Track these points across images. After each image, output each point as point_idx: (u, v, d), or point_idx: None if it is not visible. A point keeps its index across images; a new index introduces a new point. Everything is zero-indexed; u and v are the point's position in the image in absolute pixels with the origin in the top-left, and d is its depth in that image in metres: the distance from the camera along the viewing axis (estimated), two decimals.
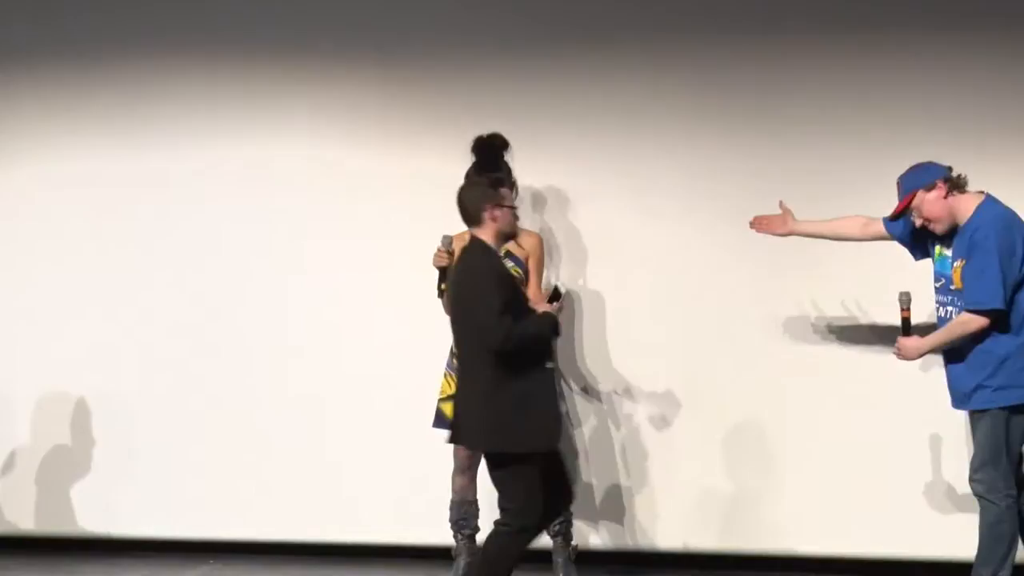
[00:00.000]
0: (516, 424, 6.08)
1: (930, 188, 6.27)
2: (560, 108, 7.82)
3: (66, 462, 8.40)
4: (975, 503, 6.34)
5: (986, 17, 7.37)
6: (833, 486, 7.49)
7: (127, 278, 8.33)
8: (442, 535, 7.40)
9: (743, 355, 7.59)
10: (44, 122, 8.44)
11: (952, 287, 6.28)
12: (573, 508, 7.11)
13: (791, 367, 7.53)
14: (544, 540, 7.07)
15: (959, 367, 6.28)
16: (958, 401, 6.35)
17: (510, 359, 6.05)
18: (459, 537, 7.29)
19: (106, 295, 8.35)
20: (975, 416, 6.27)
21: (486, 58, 7.93)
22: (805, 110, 7.57)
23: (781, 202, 6.88)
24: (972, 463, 6.29)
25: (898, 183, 6.37)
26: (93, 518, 8.41)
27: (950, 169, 6.31)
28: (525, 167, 7.31)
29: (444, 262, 6.99)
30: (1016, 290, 6.16)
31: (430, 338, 7.45)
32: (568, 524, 7.29)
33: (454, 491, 7.28)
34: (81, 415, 8.38)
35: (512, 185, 7.06)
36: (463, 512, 7.27)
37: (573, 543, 7.30)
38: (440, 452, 7.25)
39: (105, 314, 8.36)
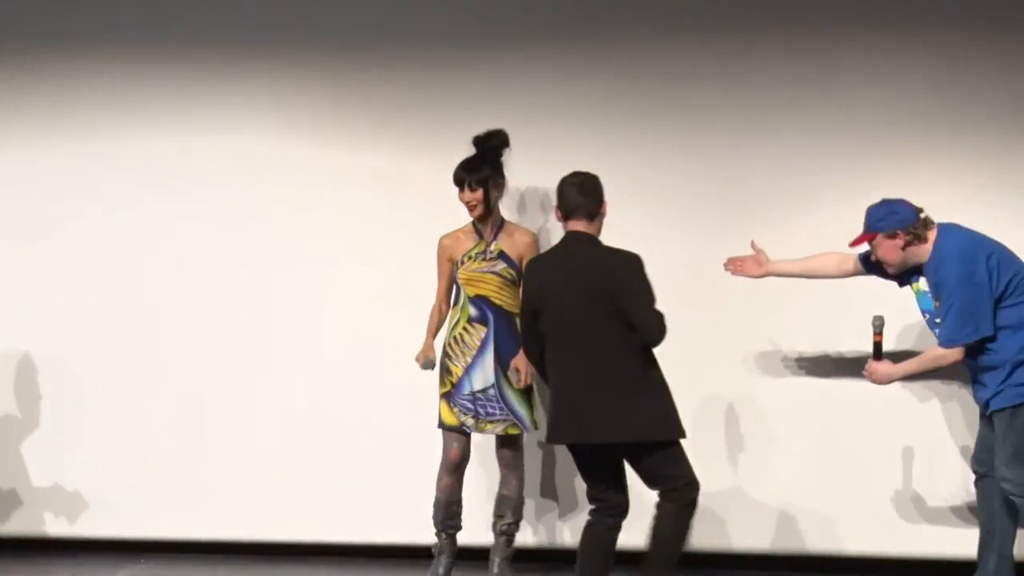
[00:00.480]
0: (673, 414, 6.10)
1: (891, 236, 6.34)
2: (559, 108, 7.72)
3: None
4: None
5: (984, 16, 7.37)
6: (823, 487, 7.48)
7: (104, 264, 8.17)
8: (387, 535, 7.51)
9: (743, 357, 7.51)
10: (19, 111, 8.32)
11: (938, 320, 6.38)
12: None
13: (787, 370, 7.49)
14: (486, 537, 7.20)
15: (976, 384, 6.41)
16: (986, 408, 6.43)
17: (651, 352, 6.09)
18: (443, 536, 7.17)
19: (73, 280, 8.20)
20: (998, 417, 6.32)
21: (483, 58, 7.84)
22: (810, 109, 7.49)
23: (753, 242, 6.93)
24: (996, 463, 6.32)
25: (866, 212, 6.43)
26: (26, 519, 8.19)
27: (919, 212, 6.35)
28: (524, 167, 7.32)
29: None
30: (998, 302, 6.24)
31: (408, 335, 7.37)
32: (515, 526, 7.21)
33: (440, 490, 7.15)
34: (19, 414, 8.16)
35: (503, 184, 7.14)
36: (450, 512, 7.16)
37: (514, 545, 7.23)
38: (411, 451, 7.30)
39: (57, 303, 8.20)
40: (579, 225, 6.21)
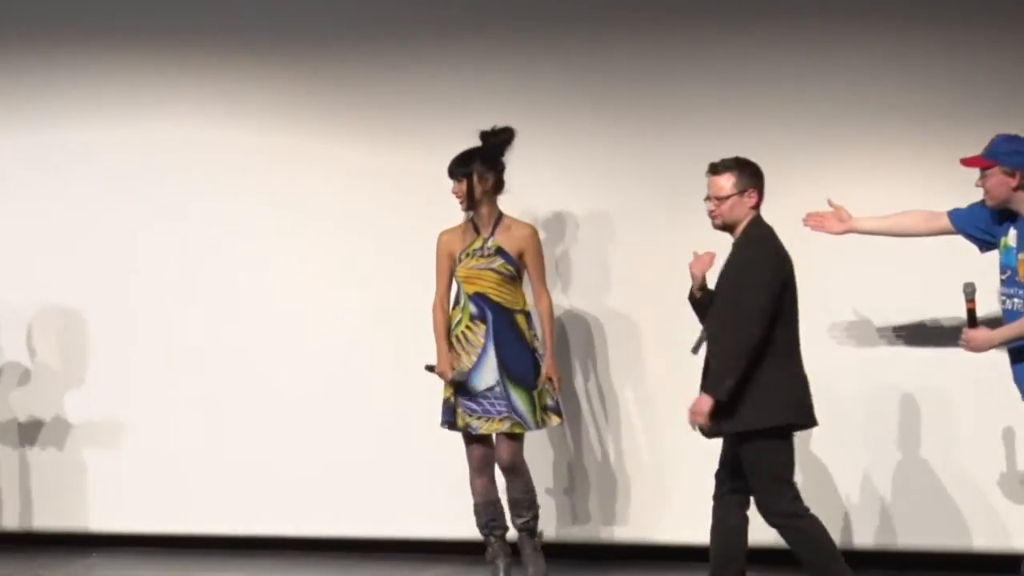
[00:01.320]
0: None
1: (1009, 173, 6.06)
2: (559, 103, 7.74)
3: None
4: None
5: (984, 12, 7.40)
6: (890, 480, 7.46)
7: (100, 261, 8.18)
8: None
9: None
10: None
11: (1018, 279, 6.05)
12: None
13: (848, 365, 7.39)
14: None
15: (1019, 365, 6.13)
16: None
17: None
18: (492, 539, 7.11)
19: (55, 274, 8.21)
20: None
21: (479, 56, 7.86)
22: (812, 103, 7.48)
23: (830, 200, 6.62)
24: None
25: (992, 139, 6.15)
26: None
27: None
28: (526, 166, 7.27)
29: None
30: None
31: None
32: (534, 520, 7.16)
33: (475, 494, 7.09)
34: None
35: (490, 180, 7.06)
36: (492, 512, 7.10)
37: (539, 534, 7.21)
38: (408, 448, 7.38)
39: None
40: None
